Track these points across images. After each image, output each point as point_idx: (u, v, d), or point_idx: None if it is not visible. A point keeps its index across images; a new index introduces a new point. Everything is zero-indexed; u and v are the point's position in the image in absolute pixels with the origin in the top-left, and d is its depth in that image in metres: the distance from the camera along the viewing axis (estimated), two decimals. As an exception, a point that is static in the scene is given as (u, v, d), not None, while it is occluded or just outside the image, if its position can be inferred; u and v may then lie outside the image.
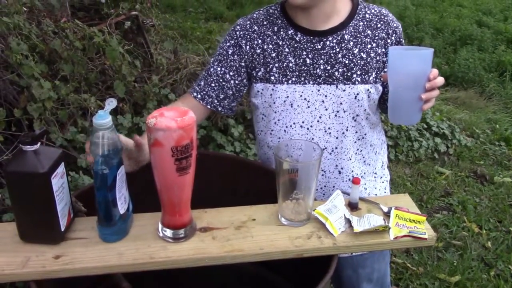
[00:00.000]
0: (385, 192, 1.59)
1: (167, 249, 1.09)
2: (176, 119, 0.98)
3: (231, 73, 1.44)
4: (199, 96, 1.45)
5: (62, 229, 1.09)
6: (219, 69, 1.44)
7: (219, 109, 1.48)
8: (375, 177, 1.54)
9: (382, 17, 1.40)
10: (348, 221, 1.18)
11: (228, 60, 1.44)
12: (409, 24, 6.85)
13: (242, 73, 1.45)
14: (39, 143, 1.02)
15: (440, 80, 1.20)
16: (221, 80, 1.44)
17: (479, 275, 2.68)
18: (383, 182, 1.58)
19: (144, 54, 3.49)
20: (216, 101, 1.46)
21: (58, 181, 1.05)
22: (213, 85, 1.45)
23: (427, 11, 7.75)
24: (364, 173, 1.51)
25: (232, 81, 1.45)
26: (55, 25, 2.95)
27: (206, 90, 1.45)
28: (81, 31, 2.97)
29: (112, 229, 1.09)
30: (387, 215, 1.22)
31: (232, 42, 1.43)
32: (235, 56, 1.43)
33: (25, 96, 2.54)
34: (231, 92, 1.46)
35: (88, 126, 2.78)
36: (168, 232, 1.11)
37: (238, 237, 1.14)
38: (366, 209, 1.26)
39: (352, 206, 1.25)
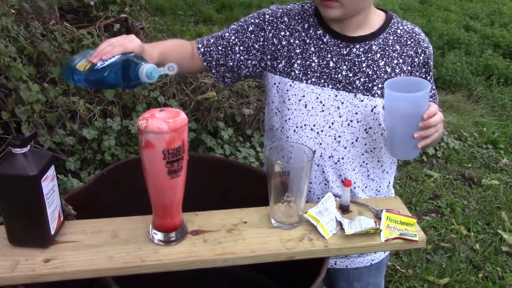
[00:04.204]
0: None
1: (158, 252, 1.08)
2: (167, 121, 0.98)
3: (241, 48, 1.42)
4: (202, 50, 1.45)
5: (52, 233, 1.08)
6: (233, 37, 1.43)
7: (213, 71, 1.47)
8: (377, 194, 1.50)
9: (414, 34, 1.38)
10: (340, 224, 1.19)
11: (245, 36, 1.42)
12: (397, 28, 6.89)
13: (251, 54, 1.43)
14: (29, 145, 1.01)
15: (436, 119, 1.19)
16: (228, 49, 1.43)
17: (467, 277, 2.70)
18: None
19: (133, 57, 3.47)
20: (214, 63, 1.45)
21: (48, 184, 1.04)
22: (219, 48, 1.44)
23: (415, 15, 7.80)
24: (366, 187, 1.47)
25: (238, 55, 1.43)
26: (43, 28, 2.93)
27: (211, 49, 1.44)
28: (70, 33, 2.95)
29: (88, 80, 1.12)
30: (378, 217, 1.23)
31: (257, 21, 1.42)
32: (253, 35, 1.42)
33: (13, 99, 2.52)
34: (231, 64, 1.44)
35: (77, 129, 2.76)
36: (159, 235, 1.11)
37: (230, 240, 1.13)
38: (357, 211, 1.26)
39: (344, 209, 1.26)
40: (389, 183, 1.55)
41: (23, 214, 1.04)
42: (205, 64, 1.45)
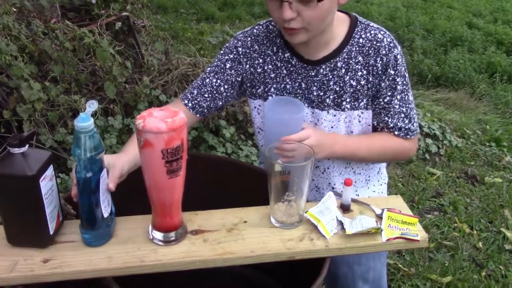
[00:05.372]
0: (382, 193, 1.60)
1: (157, 252, 1.08)
2: (166, 120, 0.97)
3: (225, 86, 1.44)
4: (190, 104, 1.44)
5: (51, 233, 1.07)
6: (214, 80, 1.44)
7: (206, 115, 1.51)
8: (367, 183, 1.54)
9: (375, 42, 1.34)
10: (341, 223, 1.18)
11: (225, 74, 1.43)
12: (399, 25, 6.86)
13: (235, 87, 1.46)
14: (27, 145, 1.01)
15: (290, 147, 1.21)
16: (214, 92, 1.44)
17: (470, 275, 2.69)
18: (381, 185, 1.58)
19: (135, 55, 3.47)
20: (206, 110, 1.46)
21: (47, 184, 1.03)
22: (206, 95, 1.44)
23: (418, 12, 7.76)
24: (355, 182, 1.51)
25: (225, 94, 1.45)
26: (45, 26, 2.92)
27: (198, 99, 1.44)
28: (72, 32, 2.94)
29: (96, 232, 1.08)
30: (379, 216, 1.22)
31: (232, 56, 1.43)
32: (233, 71, 1.43)
33: (15, 98, 2.51)
34: (221, 103, 1.47)
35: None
36: (159, 235, 1.10)
37: (230, 240, 1.13)
38: (358, 210, 1.26)
39: (344, 208, 1.25)
40: (379, 169, 1.57)
41: (22, 214, 1.03)
42: (197, 115, 1.46)
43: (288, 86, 1.40)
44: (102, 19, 3.34)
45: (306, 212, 1.18)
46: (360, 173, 1.51)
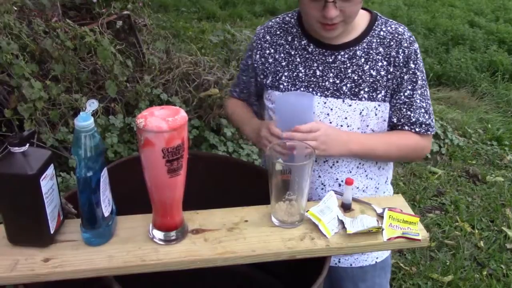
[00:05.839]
0: None
1: (158, 252, 1.07)
2: (167, 119, 0.96)
3: (249, 82, 1.54)
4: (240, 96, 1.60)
5: (52, 232, 1.07)
6: (244, 78, 1.56)
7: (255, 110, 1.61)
8: (376, 191, 1.51)
9: (396, 35, 1.37)
10: (341, 222, 1.17)
11: (247, 71, 1.53)
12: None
13: (256, 82, 1.52)
14: (28, 144, 1.01)
15: (298, 136, 1.24)
16: (247, 87, 1.56)
17: (471, 274, 2.68)
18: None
19: (136, 54, 3.47)
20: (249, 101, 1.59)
21: (48, 183, 1.03)
22: (245, 91, 1.58)
23: (419, 11, 7.76)
24: (366, 187, 1.47)
25: (251, 89, 1.55)
26: (46, 25, 2.92)
27: (241, 96, 1.60)
28: (72, 30, 2.95)
29: (96, 232, 1.08)
30: (380, 216, 1.21)
31: (250, 53, 1.51)
32: (247, 66, 1.53)
33: (16, 96, 2.52)
34: (254, 98, 1.57)
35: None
36: (159, 234, 1.10)
37: (230, 239, 1.12)
38: (359, 210, 1.25)
39: (345, 207, 1.25)
40: (387, 179, 1.55)
41: (22, 213, 1.03)
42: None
43: (300, 74, 1.39)
44: (103, 18, 3.34)
45: (307, 211, 1.18)
46: (372, 178, 1.47)
